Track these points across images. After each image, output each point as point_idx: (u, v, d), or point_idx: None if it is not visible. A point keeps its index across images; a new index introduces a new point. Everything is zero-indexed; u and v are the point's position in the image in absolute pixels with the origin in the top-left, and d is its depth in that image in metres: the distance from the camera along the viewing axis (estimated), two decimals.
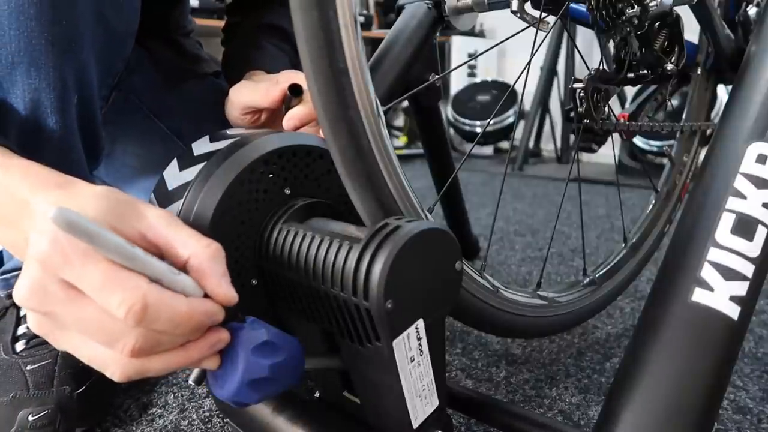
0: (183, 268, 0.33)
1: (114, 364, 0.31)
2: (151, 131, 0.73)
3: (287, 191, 0.44)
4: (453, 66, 2.96)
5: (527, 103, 2.66)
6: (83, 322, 0.30)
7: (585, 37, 2.36)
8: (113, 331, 0.29)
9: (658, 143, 2.20)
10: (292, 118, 0.56)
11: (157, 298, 0.29)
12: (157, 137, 0.73)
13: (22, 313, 0.62)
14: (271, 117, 0.63)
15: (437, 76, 0.67)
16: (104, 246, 0.29)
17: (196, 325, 0.31)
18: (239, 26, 0.78)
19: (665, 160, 0.86)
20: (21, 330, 0.61)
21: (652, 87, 0.73)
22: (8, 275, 0.63)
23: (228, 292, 0.33)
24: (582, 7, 0.60)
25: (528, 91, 2.14)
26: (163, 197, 0.43)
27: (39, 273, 0.30)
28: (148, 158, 0.73)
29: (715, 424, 0.60)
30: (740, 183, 0.42)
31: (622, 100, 2.09)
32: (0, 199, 0.36)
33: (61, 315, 0.30)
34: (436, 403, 0.41)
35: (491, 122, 2.74)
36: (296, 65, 0.69)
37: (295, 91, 0.58)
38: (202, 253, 0.33)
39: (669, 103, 0.73)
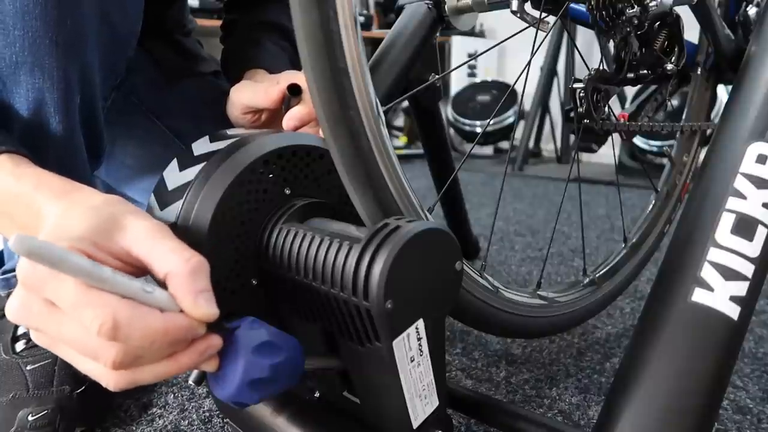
0: (164, 283, 0.33)
1: (105, 376, 0.31)
2: (151, 131, 0.73)
3: (287, 191, 0.44)
4: (453, 66, 2.96)
5: (527, 103, 2.66)
6: (67, 338, 0.30)
7: (585, 37, 2.36)
8: (93, 346, 0.30)
9: (658, 143, 2.20)
10: (291, 118, 0.55)
11: (129, 315, 0.29)
12: (156, 137, 0.73)
13: None
14: (272, 117, 0.63)
15: (437, 76, 0.67)
16: (68, 270, 0.28)
17: (173, 340, 0.31)
18: (238, 24, 0.77)
19: (665, 160, 0.86)
20: (21, 330, 0.61)
21: (652, 87, 0.73)
22: (8, 275, 0.63)
23: (205, 309, 0.32)
24: (582, 7, 0.60)
25: (528, 91, 2.13)
26: (163, 197, 0.43)
27: (24, 292, 0.30)
28: (148, 158, 0.72)
29: (715, 424, 0.60)
30: (740, 183, 0.42)
31: (622, 100, 2.09)
32: (16, 208, 0.38)
33: (49, 331, 0.31)
34: (436, 403, 0.41)
35: (491, 122, 2.74)
36: (296, 63, 0.69)
37: (294, 90, 0.58)
38: (181, 268, 0.32)
39: (669, 103, 0.73)
